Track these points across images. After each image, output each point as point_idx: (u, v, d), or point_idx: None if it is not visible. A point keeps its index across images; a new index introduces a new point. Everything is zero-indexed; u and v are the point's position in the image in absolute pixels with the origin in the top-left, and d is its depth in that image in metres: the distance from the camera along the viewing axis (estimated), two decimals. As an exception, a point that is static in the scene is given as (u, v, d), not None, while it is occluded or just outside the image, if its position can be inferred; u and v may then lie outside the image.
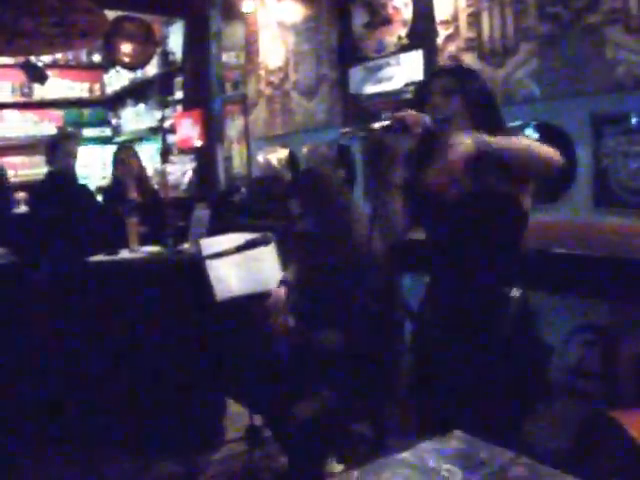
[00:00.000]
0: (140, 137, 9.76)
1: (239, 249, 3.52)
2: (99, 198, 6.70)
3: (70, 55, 10.35)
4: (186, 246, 5.16)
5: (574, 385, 3.70)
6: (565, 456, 3.15)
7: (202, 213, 5.39)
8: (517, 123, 4.09)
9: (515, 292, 2.70)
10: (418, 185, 2.82)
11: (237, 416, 4.79)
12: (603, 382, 3.58)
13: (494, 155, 2.55)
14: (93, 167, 9.94)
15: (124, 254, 5.21)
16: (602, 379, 3.59)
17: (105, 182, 8.35)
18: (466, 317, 2.74)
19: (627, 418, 2.82)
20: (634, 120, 3.56)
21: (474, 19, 4.32)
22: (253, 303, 4.19)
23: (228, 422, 4.82)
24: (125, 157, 6.34)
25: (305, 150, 6.06)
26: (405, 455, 1.84)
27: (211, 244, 4.25)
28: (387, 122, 2.67)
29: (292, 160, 6.35)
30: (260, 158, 6.78)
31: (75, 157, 6.19)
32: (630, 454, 2.68)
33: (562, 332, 3.77)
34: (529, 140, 2.74)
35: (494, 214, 2.67)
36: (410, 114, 2.68)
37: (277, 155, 6.50)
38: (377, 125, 2.67)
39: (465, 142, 2.54)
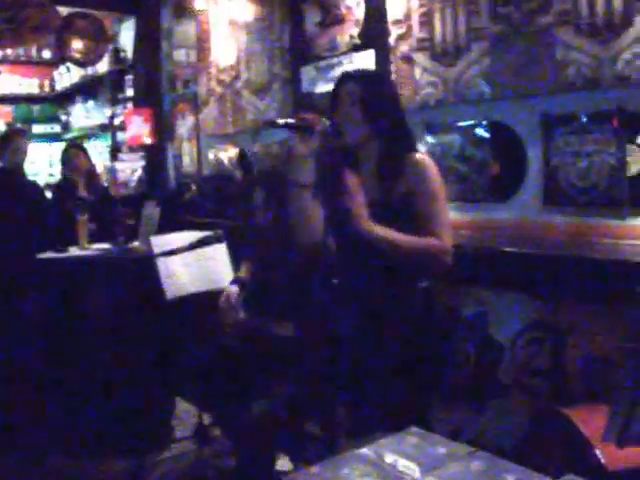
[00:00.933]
0: (90, 134, 9.68)
1: (191, 247, 3.51)
2: (48, 195, 6.63)
3: (20, 51, 10.24)
4: (136, 244, 5.13)
5: (524, 382, 3.73)
6: (515, 452, 3.18)
7: (152, 211, 5.36)
8: (468, 122, 4.11)
9: (420, 284, 2.77)
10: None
11: (186, 414, 4.76)
12: (552, 379, 3.61)
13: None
14: (42, 164, 9.84)
15: (74, 251, 5.16)
16: (551, 376, 3.62)
17: (54, 179, 8.26)
18: (374, 310, 2.77)
19: (576, 414, 2.86)
20: (583, 120, 3.60)
21: (426, 19, 4.33)
22: (204, 301, 4.17)
23: (177, 421, 4.79)
24: (74, 155, 6.28)
25: (256, 149, 6.04)
26: (363, 451, 1.84)
27: (161, 242, 4.22)
28: (291, 120, 2.71)
29: (243, 159, 6.32)
30: (211, 156, 6.75)
31: (25, 154, 6.13)
32: (580, 449, 2.70)
33: (512, 330, 3.79)
34: (415, 242, 2.71)
35: (395, 217, 2.70)
36: (313, 115, 2.72)
37: (228, 154, 6.48)
38: (282, 121, 2.71)
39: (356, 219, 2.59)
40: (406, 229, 2.69)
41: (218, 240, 3.61)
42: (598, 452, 2.60)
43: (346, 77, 2.94)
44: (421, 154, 2.87)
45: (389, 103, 2.88)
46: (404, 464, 1.75)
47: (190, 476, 4.18)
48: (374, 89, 2.85)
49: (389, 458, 1.79)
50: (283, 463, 3.72)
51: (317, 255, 3.15)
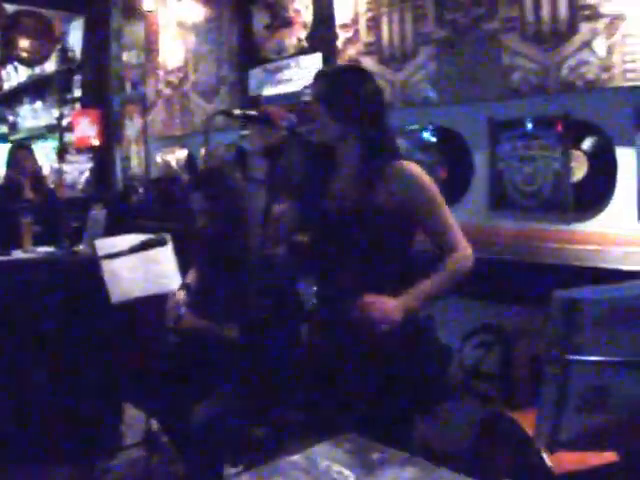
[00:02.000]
0: (37, 135, 9.55)
1: (133, 250, 3.45)
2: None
3: (-36, 49, 10.05)
4: (81, 247, 5.06)
5: (472, 386, 3.73)
6: (464, 456, 3.19)
7: (98, 214, 5.30)
8: (414, 126, 4.12)
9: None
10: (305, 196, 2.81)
11: (135, 420, 4.70)
12: (500, 383, 3.62)
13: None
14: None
15: (17, 254, 5.08)
16: (499, 380, 3.63)
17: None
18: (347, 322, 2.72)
19: (524, 418, 2.87)
20: (529, 125, 3.63)
21: (374, 23, 4.34)
22: (149, 304, 4.12)
23: (126, 427, 4.73)
24: (20, 155, 6.19)
25: (203, 151, 6.00)
26: (295, 458, 1.82)
27: (106, 245, 4.16)
28: (253, 112, 2.66)
29: (190, 161, 6.29)
30: (158, 159, 6.70)
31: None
32: (528, 453, 2.72)
33: (460, 333, 3.80)
34: (450, 275, 2.69)
35: (377, 225, 2.66)
36: (274, 109, 2.67)
37: (175, 156, 6.43)
38: (238, 111, 2.67)
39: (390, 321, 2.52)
40: (391, 237, 2.66)
41: (161, 243, 3.55)
42: (545, 456, 2.62)
43: (317, 74, 2.88)
44: (407, 162, 2.73)
45: (360, 103, 2.70)
46: (337, 470, 1.74)
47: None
48: (341, 88, 2.72)
49: (322, 464, 1.77)
50: (232, 469, 3.70)
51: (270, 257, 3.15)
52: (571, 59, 3.40)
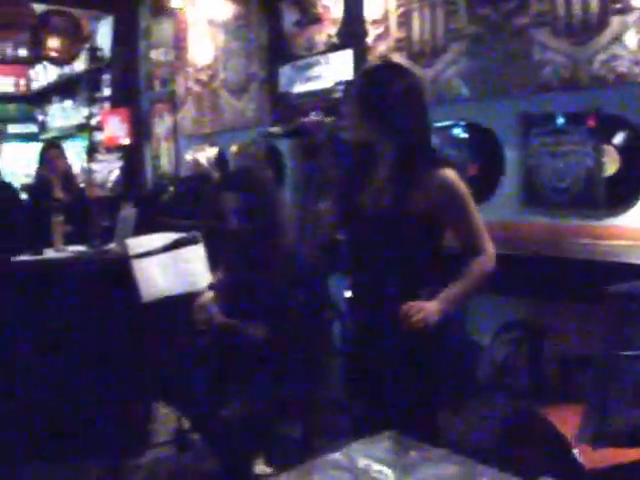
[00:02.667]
0: (67, 134, 9.58)
1: (166, 249, 3.47)
2: (23, 196, 6.57)
3: (-5, 49, 10.14)
4: (112, 246, 5.08)
5: (501, 382, 3.72)
6: (493, 453, 3.18)
7: (128, 212, 5.31)
8: (445, 123, 4.11)
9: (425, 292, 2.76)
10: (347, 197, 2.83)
11: (166, 419, 4.72)
12: (530, 379, 3.61)
13: None
14: (18, 164, 9.73)
15: (49, 253, 5.11)
16: (529, 376, 3.62)
17: (30, 180, 8.18)
18: (390, 321, 2.75)
19: (553, 414, 2.86)
20: (560, 120, 3.61)
21: (404, 19, 4.34)
22: (180, 303, 4.13)
23: (157, 425, 4.74)
24: (51, 155, 6.22)
25: (234, 149, 6.02)
26: (335, 456, 1.82)
27: (138, 244, 4.17)
28: (293, 127, 2.72)
29: (220, 159, 6.30)
30: (188, 157, 6.72)
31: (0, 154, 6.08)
32: (557, 448, 2.70)
33: (490, 330, 3.79)
34: (476, 276, 2.72)
35: (410, 228, 2.66)
36: (310, 120, 2.72)
37: (205, 154, 6.44)
38: (279, 130, 2.72)
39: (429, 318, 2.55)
40: (420, 241, 2.67)
41: (193, 242, 3.56)
42: (576, 451, 2.60)
43: (359, 74, 2.89)
44: (446, 170, 2.68)
45: (394, 102, 2.66)
46: (377, 469, 1.74)
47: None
48: (375, 86, 2.70)
49: (362, 463, 1.77)
50: (262, 468, 3.70)
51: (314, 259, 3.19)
52: (602, 53, 3.39)
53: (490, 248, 2.69)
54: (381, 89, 2.68)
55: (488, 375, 3.78)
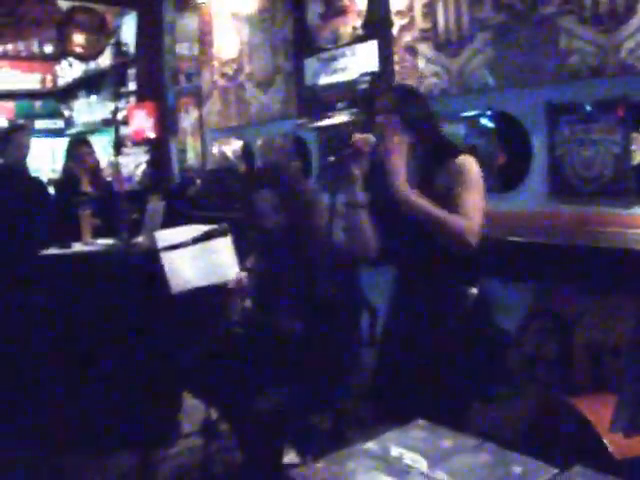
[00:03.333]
0: (93, 129, 9.65)
1: (195, 240, 3.49)
2: (51, 191, 6.61)
3: (21, 46, 10.20)
4: (140, 239, 5.11)
5: (531, 372, 3.72)
6: (523, 442, 3.18)
7: (157, 205, 5.35)
8: (473, 112, 4.10)
9: (473, 290, 2.81)
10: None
11: (193, 410, 4.75)
12: (559, 369, 3.61)
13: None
14: (44, 159, 9.81)
15: (77, 247, 5.15)
16: (558, 366, 3.62)
17: (57, 175, 8.24)
18: (424, 313, 2.84)
19: (584, 403, 2.87)
20: (588, 109, 3.60)
21: (429, 9, 4.33)
22: (209, 295, 4.16)
23: (185, 416, 4.78)
24: (80, 149, 6.25)
25: (260, 142, 6.04)
26: (369, 445, 1.84)
27: (166, 237, 4.20)
28: (345, 152, 2.80)
29: (247, 152, 6.33)
30: (214, 150, 6.75)
31: (27, 149, 6.11)
32: (588, 438, 2.70)
33: (519, 319, 3.79)
34: (445, 217, 2.78)
35: None
36: (358, 138, 2.80)
37: (232, 147, 6.47)
38: (335, 158, 2.80)
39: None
40: None
41: (223, 234, 3.59)
42: (606, 441, 2.60)
43: (384, 89, 3.08)
44: (464, 155, 2.91)
45: (425, 116, 2.98)
46: (411, 457, 1.75)
47: (198, 471, 4.17)
48: (414, 99, 3.01)
49: (395, 452, 1.78)
50: (292, 457, 3.72)
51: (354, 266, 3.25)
52: (630, 41, 3.36)
53: (476, 222, 2.75)
54: (420, 102, 3.03)
55: (518, 365, 3.78)
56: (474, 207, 2.79)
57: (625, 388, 1.61)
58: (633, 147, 3.44)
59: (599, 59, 3.49)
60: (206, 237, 3.52)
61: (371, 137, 2.84)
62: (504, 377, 3.42)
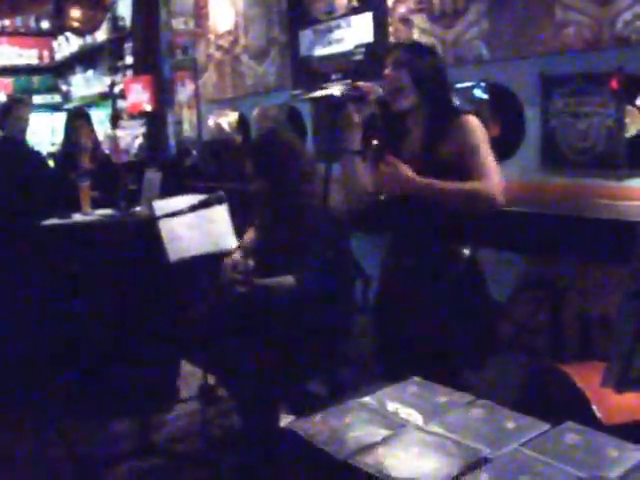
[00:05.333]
0: (90, 103, 9.66)
1: (193, 208, 3.52)
2: (51, 164, 6.65)
3: (19, 21, 10.23)
4: (138, 208, 5.15)
5: (522, 340, 3.76)
6: (514, 409, 3.21)
7: (153, 176, 5.39)
8: (467, 84, 4.12)
9: (465, 250, 2.84)
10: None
11: (191, 375, 4.81)
12: (551, 338, 3.65)
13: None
14: (43, 134, 9.83)
15: (77, 217, 5.19)
16: (550, 335, 3.65)
17: (55, 148, 8.27)
18: (418, 273, 2.86)
19: (574, 370, 2.90)
20: (582, 81, 3.60)
21: (425, -20, 4.33)
22: (207, 263, 4.19)
23: (182, 381, 4.83)
24: (77, 124, 6.28)
25: (255, 113, 6.05)
26: (366, 400, 1.88)
27: (164, 206, 4.23)
28: (344, 89, 2.79)
29: (243, 123, 6.34)
30: (210, 122, 6.76)
31: (27, 122, 6.16)
32: (577, 405, 2.74)
33: (511, 288, 3.82)
34: (459, 188, 2.80)
35: (444, 174, 2.79)
36: (365, 84, 2.82)
37: (228, 118, 6.49)
38: (334, 92, 2.79)
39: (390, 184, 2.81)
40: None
41: (219, 201, 3.62)
42: (595, 407, 2.64)
43: (398, 45, 3.08)
44: (466, 115, 2.98)
45: (436, 74, 3.00)
46: (406, 412, 1.79)
47: (196, 435, 4.23)
48: (424, 57, 3.00)
49: (391, 406, 1.83)
50: (288, 421, 3.75)
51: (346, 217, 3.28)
52: (626, 12, 3.35)
53: (492, 178, 2.77)
54: (432, 60, 3.02)
55: (509, 334, 3.82)
56: (488, 165, 2.84)
57: (617, 341, 1.65)
58: (626, 119, 3.45)
59: (594, 31, 3.49)
60: (203, 205, 3.56)
61: (377, 87, 2.86)
62: (495, 344, 3.46)
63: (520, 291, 3.81)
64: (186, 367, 4.93)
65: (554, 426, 1.71)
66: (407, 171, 2.78)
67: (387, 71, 2.95)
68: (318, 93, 3.22)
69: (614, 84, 3.47)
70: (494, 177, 2.79)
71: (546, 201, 3.77)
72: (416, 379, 2.02)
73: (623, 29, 3.38)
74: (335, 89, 2.83)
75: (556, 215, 3.63)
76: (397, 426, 1.73)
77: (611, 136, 3.51)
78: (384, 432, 1.70)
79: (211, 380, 4.26)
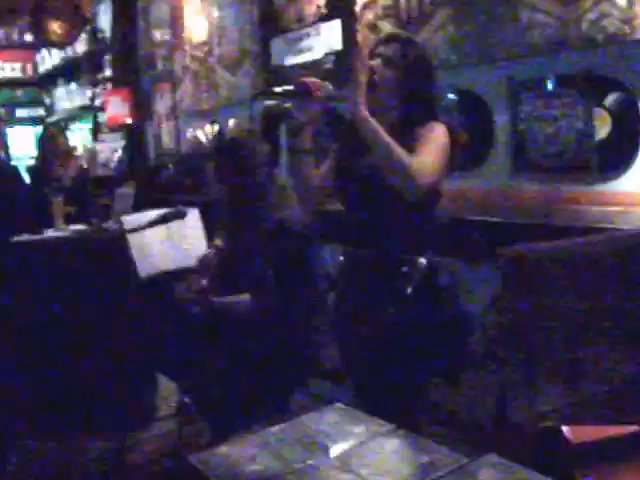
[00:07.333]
0: (74, 116, 9.64)
1: (152, 224, 3.44)
2: (26, 178, 6.58)
3: (1, 34, 10.20)
4: (110, 224, 5.10)
5: (496, 354, 3.69)
6: (487, 425, 3.16)
7: (126, 190, 5.34)
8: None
9: (421, 260, 2.71)
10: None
11: (169, 392, 4.73)
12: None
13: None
14: (27, 147, 9.79)
15: (49, 233, 5.13)
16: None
17: (33, 162, 8.23)
18: (372, 285, 2.75)
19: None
20: (550, 83, 3.55)
21: (391, -14, 4.28)
22: (178, 278, 4.13)
23: (161, 399, 4.76)
24: (52, 136, 6.21)
25: (231, 124, 6.00)
26: (279, 427, 1.78)
27: (133, 220, 4.17)
28: (290, 87, 2.65)
29: (220, 135, 6.29)
30: (188, 134, 6.71)
31: (2, 136, 6.11)
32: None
33: (484, 300, 3.75)
34: (395, 148, 2.64)
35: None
36: (312, 79, 2.66)
37: (205, 131, 6.44)
38: (280, 89, 2.66)
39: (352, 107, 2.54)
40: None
41: (179, 216, 3.52)
42: (563, 427, 2.59)
43: (388, 37, 2.87)
44: (436, 122, 2.59)
45: (423, 67, 2.65)
46: (319, 441, 1.70)
47: (172, 454, 4.15)
48: (414, 53, 2.65)
49: (304, 437, 1.73)
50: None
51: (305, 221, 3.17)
52: (591, 12, 3.30)
53: (419, 168, 2.60)
54: (421, 57, 2.65)
55: (484, 346, 3.75)
56: (426, 156, 2.61)
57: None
58: (595, 122, 3.39)
59: (560, 32, 3.44)
60: (161, 220, 3.47)
61: (327, 84, 2.70)
62: (469, 359, 3.39)
63: (494, 303, 3.73)
64: (163, 384, 4.85)
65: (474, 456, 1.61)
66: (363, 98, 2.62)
67: (374, 63, 2.76)
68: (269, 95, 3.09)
69: (582, 86, 3.42)
70: (426, 166, 2.60)
71: (517, 208, 3.69)
72: (338, 405, 1.91)
73: (589, 29, 3.32)
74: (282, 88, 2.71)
75: (527, 223, 3.55)
76: (307, 456, 1.63)
77: (581, 139, 3.45)
78: (288, 467, 1.59)
79: (187, 398, 4.18)
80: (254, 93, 4.79)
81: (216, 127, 6.35)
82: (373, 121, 2.54)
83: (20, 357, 4.69)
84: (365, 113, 2.52)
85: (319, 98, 2.65)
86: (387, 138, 2.54)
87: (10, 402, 4.49)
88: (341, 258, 2.98)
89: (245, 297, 3.32)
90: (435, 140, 2.65)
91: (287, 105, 2.68)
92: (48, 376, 4.58)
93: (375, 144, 2.56)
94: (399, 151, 2.55)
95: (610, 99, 3.38)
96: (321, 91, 2.63)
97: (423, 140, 2.61)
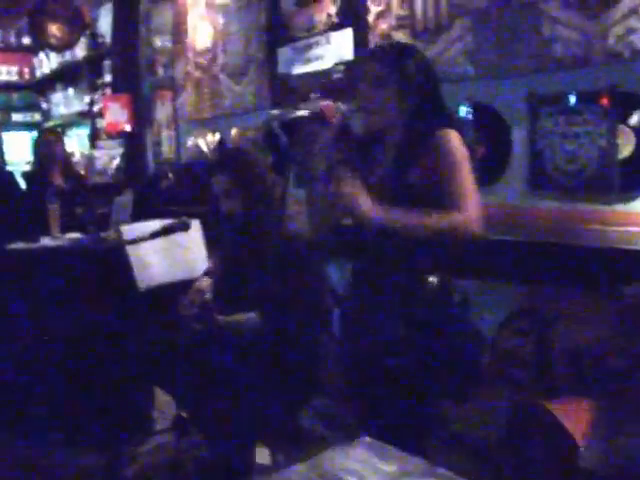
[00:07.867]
0: (71, 122, 9.55)
1: (154, 235, 3.33)
2: (22, 184, 6.47)
3: (-1, 37, 10.14)
4: (108, 233, 5.00)
5: (508, 374, 3.60)
6: (495, 445, 3.14)
7: (124, 199, 5.27)
8: (450, 103, 3.95)
9: (431, 279, 2.60)
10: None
11: (166, 406, 4.64)
12: (537, 370, 3.48)
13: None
14: (23, 153, 9.70)
15: (45, 241, 5.03)
16: (536, 367, 3.49)
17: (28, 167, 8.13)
18: (383, 303, 2.64)
19: (560, 407, 2.80)
20: (572, 99, 3.45)
21: (406, -5, 4.19)
22: (177, 290, 4.03)
23: (158, 413, 4.66)
24: (48, 141, 6.11)
25: (233, 134, 5.90)
26: (302, 467, 1.63)
27: (132, 231, 4.10)
28: (305, 113, 2.60)
29: (221, 144, 6.19)
30: (189, 143, 6.62)
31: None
32: (561, 445, 2.64)
33: (496, 318, 3.66)
34: (433, 221, 2.52)
35: (415, 201, 2.52)
36: (326, 105, 2.60)
37: (206, 140, 6.34)
38: (294, 116, 2.60)
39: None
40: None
41: (183, 228, 3.42)
42: (582, 449, 2.53)
43: (367, 57, 2.79)
44: (445, 129, 2.60)
45: (424, 81, 2.63)
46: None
47: (168, 468, 4.05)
48: (402, 70, 2.60)
49: (331, 474, 1.59)
50: (263, 456, 3.59)
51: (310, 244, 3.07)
52: (617, 27, 3.22)
53: (472, 210, 2.49)
54: (411, 69, 2.60)
55: (494, 367, 3.66)
56: (464, 190, 2.49)
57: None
58: (618, 140, 3.29)
59: (584, 47, 3.35)
60: (164, 232, 3.35)
61: (340, 105, 2.63)
62: (478, 378, 3.30)
63: (506, 321, 3.65)
64: (160, 397, 4.76)
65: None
66: (361, 191, 2.51)
67: (362, 87, 2.68)
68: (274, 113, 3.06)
69: (605, 102, 3.32)
70: (473, 207, 2.49)
71: (533, 227, 3.61)
72: (367, 439, 1.77)
73: (615, 44, 3.24)
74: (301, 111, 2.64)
75: (544, 242, 3.50)
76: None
77: (603, 158, 3.35)
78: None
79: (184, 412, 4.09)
80: (269, 118, 4.73)
81: (218, 136, 6.23)
82: (382, 211, 2.46)
83: (13, 367, 4.62)
84: (370, 213, 2.46)
85: (334, 124, 2.61)
86: (414, 218, 2.46)
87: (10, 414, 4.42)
88: (350, 274, 2.89)
89: (251, 315, 3.25)
90: (458, 157, 2.56)
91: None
92: (44, 388, 4.51)
93: (407, 232, 2.49)
94: (437, 222, 2.46)
95: (635, 117, 3.27)
96: (336, 118, 2.59)
97: (445, 166, 2.51)
